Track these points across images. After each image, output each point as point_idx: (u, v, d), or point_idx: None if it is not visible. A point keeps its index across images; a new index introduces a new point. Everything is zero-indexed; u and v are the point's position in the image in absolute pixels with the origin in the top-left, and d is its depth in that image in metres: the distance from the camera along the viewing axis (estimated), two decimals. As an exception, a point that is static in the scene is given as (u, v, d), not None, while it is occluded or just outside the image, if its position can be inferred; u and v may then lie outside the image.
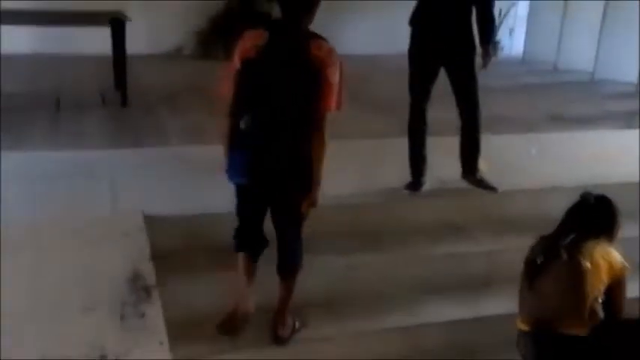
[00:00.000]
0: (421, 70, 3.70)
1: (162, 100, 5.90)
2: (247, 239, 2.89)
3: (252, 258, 2.91)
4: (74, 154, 4.20)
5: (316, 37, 2.59)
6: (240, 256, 2.90)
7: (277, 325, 2.92)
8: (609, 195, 2.70)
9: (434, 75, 3.70)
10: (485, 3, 3.63)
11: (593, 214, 2.61)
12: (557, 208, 3.78)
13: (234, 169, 2.69)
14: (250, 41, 2.59)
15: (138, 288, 2.81)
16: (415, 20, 3.68)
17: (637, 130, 5.44)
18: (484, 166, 3.95)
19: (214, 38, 7.98)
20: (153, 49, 7.96)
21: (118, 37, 5.52)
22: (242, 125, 2.58)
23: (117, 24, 5.48)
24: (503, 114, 5.63)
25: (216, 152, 4.18)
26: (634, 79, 7.39)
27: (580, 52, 8.13)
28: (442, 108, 3.84)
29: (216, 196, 3.56)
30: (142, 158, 4.20)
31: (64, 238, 3.10)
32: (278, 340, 2.89)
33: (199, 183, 3.75)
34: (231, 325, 2.87)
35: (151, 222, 3.22)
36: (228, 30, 7.60)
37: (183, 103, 5.83)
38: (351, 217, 3.60)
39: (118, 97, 5.60)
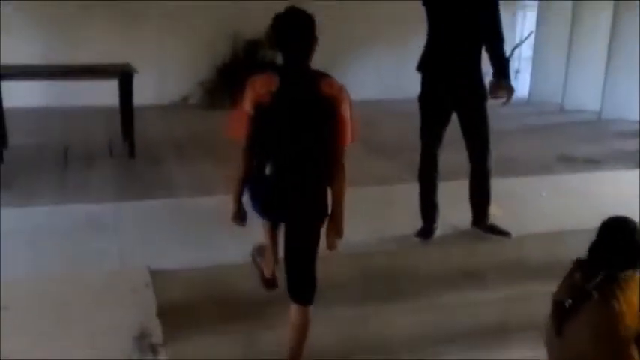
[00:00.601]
0: (432, 115, 3.66)
1: (170, 151, 5.92)
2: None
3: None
4: (81, 207, 4.18)
5: (324, 75, 2.66)
6: (265, 222, 2.94)
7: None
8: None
9: (445, 120, 3.67)
10: (495, 40, 3.59)
11: (621, 242, 2.39)
12: (573, 251, 3.73)
13: (254, 207, 2.78)
14: (262, 87, 2.62)
15: (144, 346, 2.73)
16: (424, 66, 3.66)
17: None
18: (496, 211, 3.89)
19: (221, 88, 8.06)
20: (160, 99, 8.04)
21: (125, 89, 5.57)
22: (268, 170, 2.67)
23: (124, 76, 5.53)
24: (511, 156, 5.59)
25: (223, 203, 4.13)
26: (640, 117, 7.36)
27: (586, 92, 8.14)
28: (452, 152, 3.80)
29: (223, 248, 3.53)
30: (149, 210, 4.17)
31: (69, 294, 3.04)
32: None
33: (207, 235, 3.71)
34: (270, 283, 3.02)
35: (158, 277, 3.16)
36: (235, 79, 7.70)
37: (190, 154, 5.84)
38: (362, 265, 3.53)
39: (125, 149, 5.62)
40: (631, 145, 6.59)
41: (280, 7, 2.68)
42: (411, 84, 9.08)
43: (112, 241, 3.65)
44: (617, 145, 6.59)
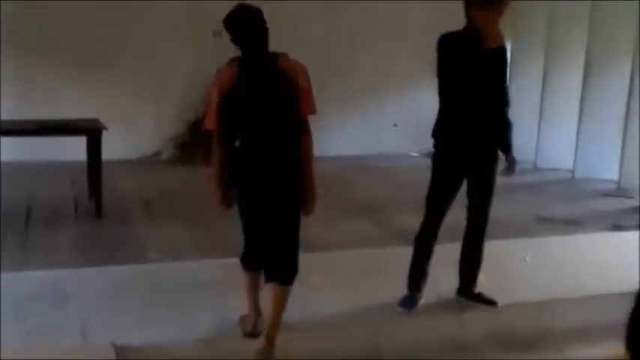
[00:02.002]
0: (445, 181, 3.51)
1: (139, 210, 5.69)
2: (254, 258, 3.07)
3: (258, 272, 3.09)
4: (42, 273, 3.90)
5: (280, 53, 2.91)
6: (247, 275, 3.12)
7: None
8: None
9: (457, 187, 3.54)
10: (504, 110, 3.53)
11: None
12: (563, 320, 3.61)
13: (235, 183, 2.98)
14: (226, 74, 2.88)
15: None
16: (439, 132, 3.51)
17: (626, 233, 5.37)
18: (482, 278, 3.74)
19: (192, 143, 7.91)
20: (130, 153, 7.84)
21: (93, 146, 5.33)
22: (237, 144, 2.89)
23: (93, 133, 5.30)
24: (491, 216, 5.48)
25: (195, 269, 3.92)
26: (614, 176, 7.38)
27: (558, 151, 8.18)
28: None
29: (197, 320, 3.31)
30: (115, 277, 3.91)
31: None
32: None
33: (179, 306, 3.48)
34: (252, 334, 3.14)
35: (124, 354, 2.91)
36: (206, 135, 7.55)
37: (160, 213, 5.60)
38: (341, 339, 3.32)
39: (92, 207, 5.37)
40: (606, 204, 6.59)
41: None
42: (386, 140, 9.13)
43: (74, 313, 3.39)
44: (593, 205, 6.56)
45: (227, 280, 3.56)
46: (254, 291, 3.16)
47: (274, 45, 2.95)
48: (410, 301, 3.57)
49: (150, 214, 5.58)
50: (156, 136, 8.14)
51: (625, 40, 7.18)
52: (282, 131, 2.89)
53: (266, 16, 2.93)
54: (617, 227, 5.59)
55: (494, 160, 3.56)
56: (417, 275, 3.59)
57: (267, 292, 3.02)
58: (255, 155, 2.89)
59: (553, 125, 8.31)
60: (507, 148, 3.57)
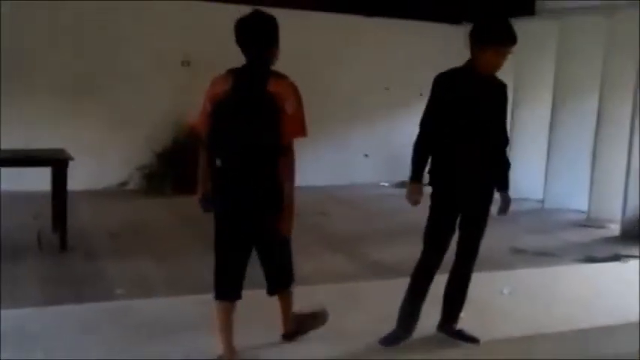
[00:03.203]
0: (443, 220, 3.40)
1: (105, 242, 5.49)
2: (229, 284, 3.05)
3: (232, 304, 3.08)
4: (3, 312, 3.67)
5: (275, 75, 2.92)
6: (220, 311, 3.06)
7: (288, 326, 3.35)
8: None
9: (455, 225, 3.44)
10: (503, 150, 3.50)
11: None
12: (544, 357, 3.54)
13: (215, 199, 3.01)
14: (219, 86, 2.92)
15: None
16: (436, 171, 3.39)
17: (601, 265, 5.39)
18: (461, 313, 3.65)
19: (161, 173, 7.76)
20: (95, 183, 7.63)
21: (59, 177, 5.13)
22: (218, 162, 2.95)
23: (59, 164, 5.10)
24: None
25: (164, 306, 3.75)
26: (582, 207, 7.44)
27: (528, 181, 8.23)
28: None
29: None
30: (81, 316, 3.71)
31: None
32: (289, 337, 3.36)
33: (147, 345, 3.30)
34: None
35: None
36: (176, 165, 7.42)
37: (127, 246, 5.41)
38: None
39: (56, 240, 5.15)
40: (578, 235, 6.63)
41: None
42: (357, 170, 9.09)
43: (37, 354, 3.18)
44: (565, 236, 6.58)
45: (199, 317, 3.41)
46: (226, 330, 3.06)
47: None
48: (394, 341, 3.44)
49: (116, 247, 5.38)
50: (122, 166, 7.95)
51: (591, 77, 7.32)
52: (263, 152, 2.92)
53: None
54: (590, 259, 5.61)
55: (491, 197, 3.49)
56: (409, 316, 3.46)
57: (275, 300, 3.29)
58: (236, 171, 2.93)
59: (522, 156, 8.38)
60: (505, 187, 3.52)
